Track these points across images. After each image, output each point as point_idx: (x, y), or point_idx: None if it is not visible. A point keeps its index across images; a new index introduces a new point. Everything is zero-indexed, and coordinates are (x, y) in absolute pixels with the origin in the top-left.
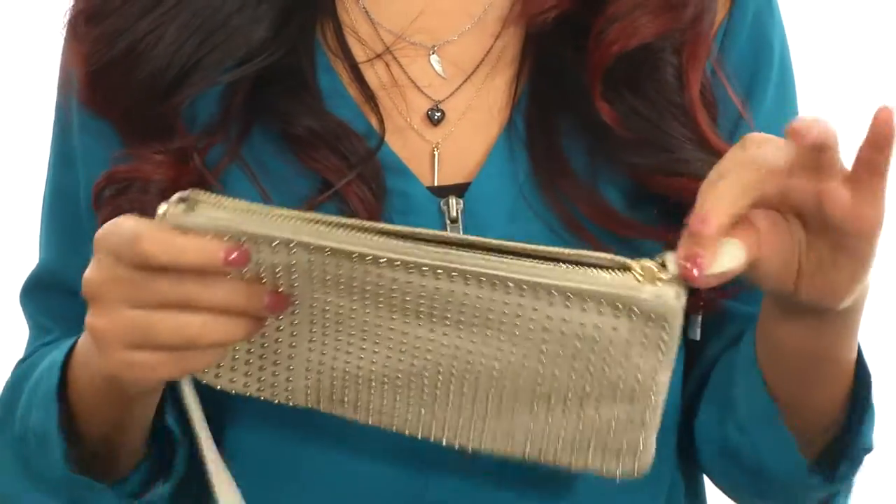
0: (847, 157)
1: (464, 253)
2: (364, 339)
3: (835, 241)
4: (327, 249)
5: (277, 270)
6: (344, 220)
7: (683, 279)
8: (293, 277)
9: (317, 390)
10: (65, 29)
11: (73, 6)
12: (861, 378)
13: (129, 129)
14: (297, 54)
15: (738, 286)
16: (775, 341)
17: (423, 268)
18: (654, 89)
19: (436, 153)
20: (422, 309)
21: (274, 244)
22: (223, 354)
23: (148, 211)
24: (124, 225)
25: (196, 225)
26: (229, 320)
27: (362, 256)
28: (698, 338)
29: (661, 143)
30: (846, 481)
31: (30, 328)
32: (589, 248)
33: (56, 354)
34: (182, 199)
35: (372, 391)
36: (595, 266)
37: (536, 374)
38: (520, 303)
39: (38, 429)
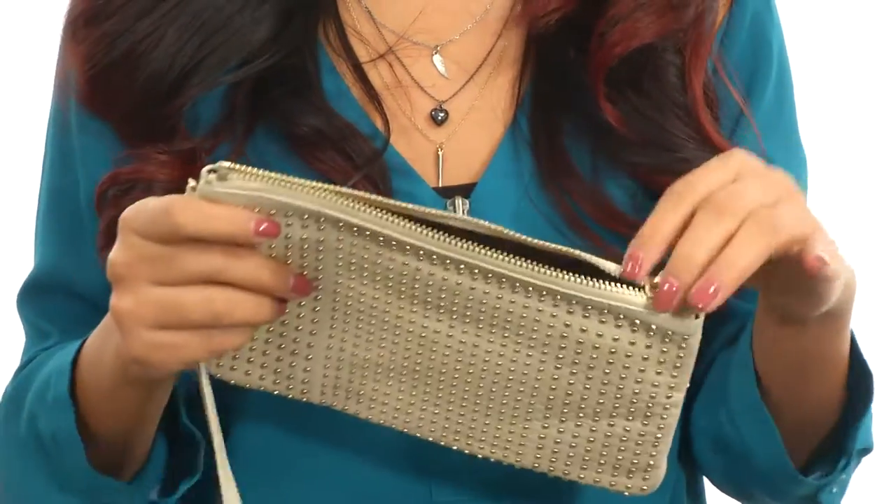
0: (847, 157)
1: (490, 252)
2: (384, 330)
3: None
4: (356, 228)
5: (305, 248)
6: (378, 198)
7: (625, 276)
8: (320, 258)
9: (333, 384)
10: (63, 30)
11: (73, 7)
12: (857, 377)
13: (129, 131)
14: (300, 55)
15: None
16: (767, 340)
17: (447, 261)
18: (657, 89)
19: (440, 153)
20: (443, 304)
21: (305, 216)
22: (247, 337)
23: None
24: (152, 202)
25: (227, 196)
26: (255, 298)
27: (388, 241)
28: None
29: (664, 142)
30: (832, 478)
31: (27, 333)
32: (593, 248)
33: (61, 358)
34: (212, 171)
35: (389, 384)
36: (614, 280)
37: (551, 380)
38: (539, 308)
39: (53, 433)
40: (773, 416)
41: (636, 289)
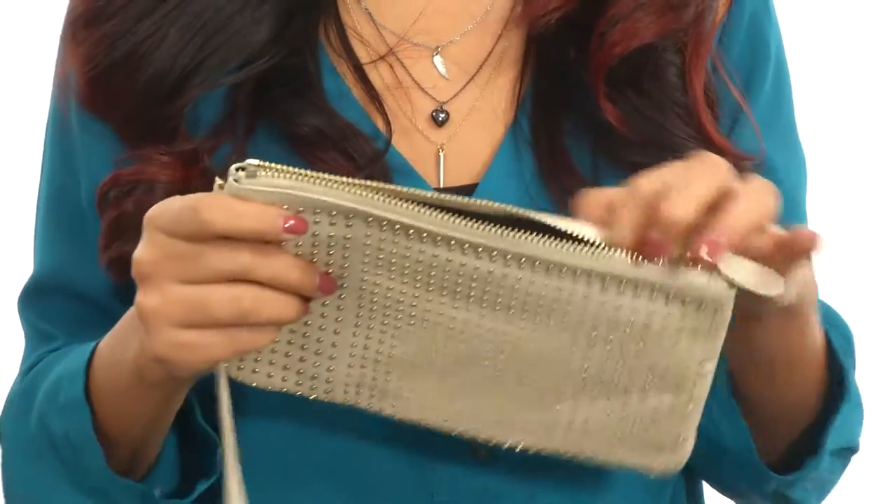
0: (846, 157)
1: (521, 235)
2: (411, 325)
3: None
4: (385, 222)
5: (332, 245)
6: (401, 188)
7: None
8: (346, 255)
9: (357, 381)
10: (63, 31)
11: (73, 9)
12: (834, 377)
13: (130, 132)
14: (301, 55)
15: None
16: (732, 336)
17: (479, 249)
18: (658, 89)
19: (441, 154)
20: (473, 293)
21: (333, 213)
22: (273, 336)
23: None
24: (179, 200)
25: (255, 193)
26: (282, 296)
27: (419, 233)
28: None
29: (664, 142)
30: (801, 475)
31: (28, 337)
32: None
33: (73, 360)
34: (241, 168)
35: (415, 380)
36: None
37: (584, 360)
38: (573, 288)
39: (66, 434)
40: (745, 412)
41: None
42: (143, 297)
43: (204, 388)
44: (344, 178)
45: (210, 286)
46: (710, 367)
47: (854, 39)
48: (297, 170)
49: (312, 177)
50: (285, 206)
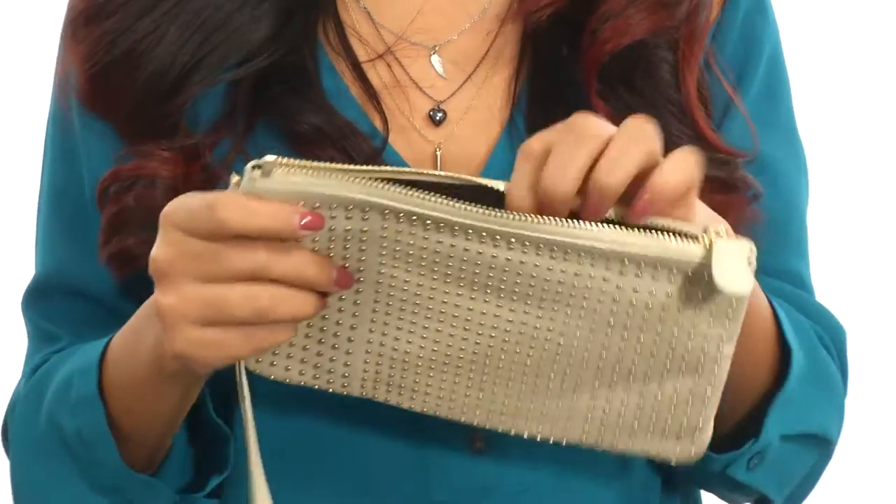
0: (844, 157)
1: (541, 221)
2: (428, 318)
3: None
4: (402, 213)
5: (348, 239)
6: (413, 171)
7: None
8: (363, 248)
9: (374, 377)
10: (63, 30)
11: (73, 7)
12: (785, 364)
13: (131, 130)
14: (300, 53)
15: None
16: None
17: (497, 236)
18: (650, 86)
19: (438, 153)
20: (490, 283)
21: (349, 207)
22: (291, 333)
23: (153, 208)
24: (195, 198)
25: (270, 191)
26: (299, 293)
27: (437, 223)
28: None
29: None
30: (737, 454)
31: (32, 337)
32: None
33: (83, 357)
34: (256, 167)
35: (431, 374)
36: (664, 231)
37: (601, 347)
38: (591, 273)
39: (79, 431)
40: None
41: (689, 239)
42: (161, 295)
43: (213, 381)
44: (357, 167)
45: (227, 285)
46: (729, 349)
47: (854, 39)
48: (312, 163)
49: (328, 168)
50: (301, 203)
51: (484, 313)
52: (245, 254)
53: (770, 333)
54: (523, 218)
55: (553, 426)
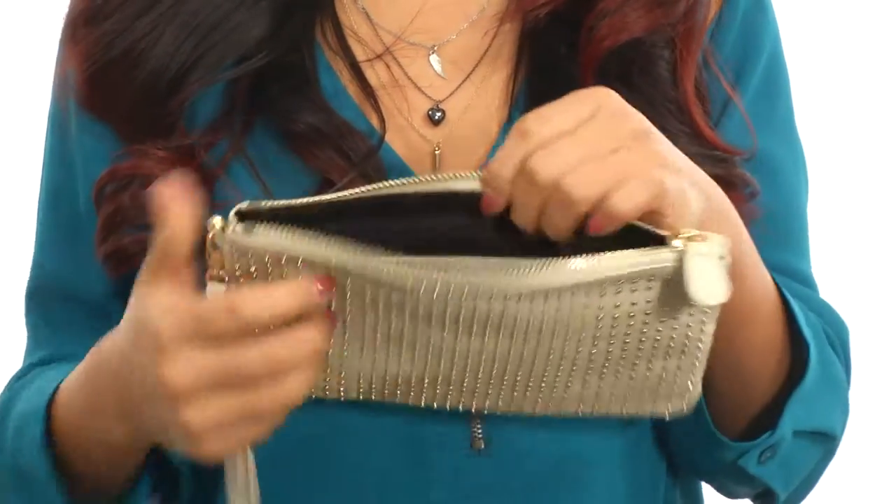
0: (844, 157)
1: (517, 271)
2: (415, 351)
3: None
4: (380, 281)
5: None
6: (388, 184)
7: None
8: (347, 297)
9: (367, 390)
10: (62, 31)
11: (72, 8)
12: (799, 357)
13: (129, 130)
14: (298, 53)
15: None
16: None
17: (476, 293)
18: (648, 84)
19: (437, 153)
20: (476, 327)
21: (329, 267)
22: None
23: (148, 207)
24: (189, 308)
25: (256, 247)
26: (308, 369)
27: (411, 291)
28: None
29: None
30: (753, 445)
31: (28, 337)
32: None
33: (37, 395)
34: (239, 214)
35: (425, 387)
36: (640, 232)
37: (589, 354)
38: (571, 305)
39: (33, 473)
40: (708, 375)
41: (663, 244)
42: (185, 416)
43: None
44: (337, 195)
45: (253, 391)
46: (711, 327)
47: (854, 39)
48: (293, 203)
49: (310, 205)
50: (284, 258)
51: (471, 348)
52: (263, 351)
53: (779, 319)
54: (502, 270)
55: (547, 405)
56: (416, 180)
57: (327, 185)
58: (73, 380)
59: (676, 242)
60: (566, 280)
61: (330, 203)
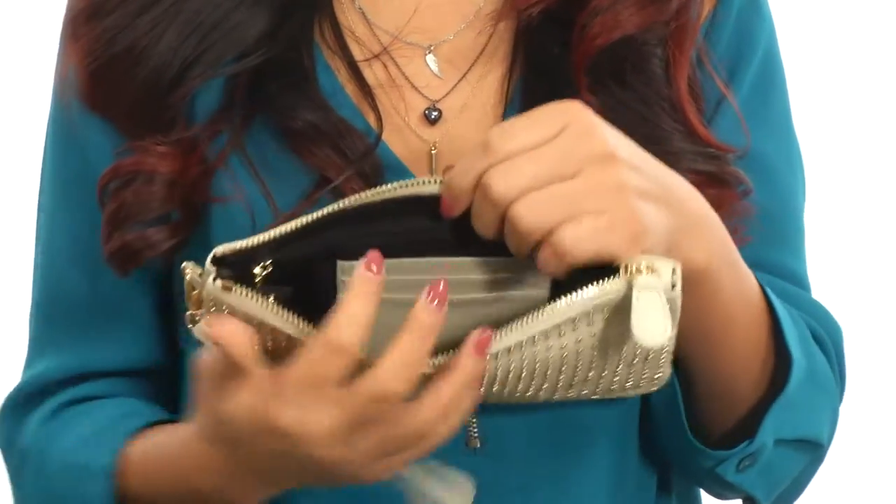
0: (843, 157)
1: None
2: None
3: None
4: None
5: None
6: (355, 199)
7: None
8: None
9: None
10: (63, 28)
11: (73, 5)
12: (784, 364)
13: (130, 125)
14: (297, 51)
15: None
16: None
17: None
18: (642, 82)
19: (433, 152)
20: None
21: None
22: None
23: (152, 203)
24: (331, 411)
25: (232, 304)
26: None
27: None
28: None
29: (649, 135)
30: (731, 453)
31: (40, 344)
32: None
33: (94, 454)
34: (215, 260)
35: None
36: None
37: (556, 382)
38: (534, 351)
39: None
40: (688, 383)
41: (611, 277)
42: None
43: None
44: (317, 214)
45: (414, 444)
46: (673, 332)
47: (852, 38)
48: (261, 240)
49: (284, 234)
50: (257, 322)
51: None
52: (417, 417)
53: (763, 325)
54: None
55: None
56: (386, 188)
57: (325, 183)
58: (151, 464)
59: (621, 277)
60: (521, 335)
61: (304, 226)
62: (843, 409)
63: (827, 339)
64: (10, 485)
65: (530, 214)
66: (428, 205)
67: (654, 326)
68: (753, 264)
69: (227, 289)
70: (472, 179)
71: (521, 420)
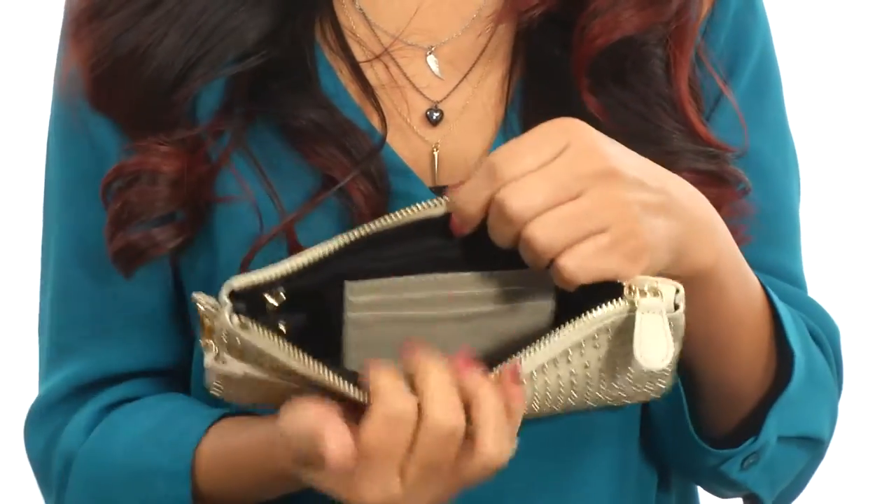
0: (842, 156)
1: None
2: None
3: None
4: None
5: None
6: (365, 228)
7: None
8: None
9: None
10: (64, 28)
11: (74, 6)
12: (785, 362)
13: (133, 125)
14: (299, 51)
15: None
16: None
17: None
18: (642, 82)
19: (435, 153)
20: None
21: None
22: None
23: (156, 202)
24: (393, 431)
25: (249, 341)
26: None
27: None
28: None
29: (650, 135)
30: (735, 452)
31: (56, 350)
32: None
33: (167, 453)
34: (231, 293)
35: None
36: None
37: (568, 404)
38: (546, 380)
39: None
40: (692, 385)
41: (615, 300)
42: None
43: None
44: (326, 245)
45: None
46: (679, 349)
47: (851, 38)
48: (277, 273)
49: (298, 268)
50: (270, 361)
51: None
52: (446, 445)
53: (765, 326)
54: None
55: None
56: (395, 216)
57: (330, 184)
58: (223, 461)
59: (625, 298)
60: (529, 367)
61: (319, 259)
62: (841, 408)
63: (825, 337)
64: (45, 492)
65: (543, 237)
66: (434, 226)
67: (655, 350)
68: (750, 264)
69: (244, 326)
70: (483, 201)
71: (524, 422)
